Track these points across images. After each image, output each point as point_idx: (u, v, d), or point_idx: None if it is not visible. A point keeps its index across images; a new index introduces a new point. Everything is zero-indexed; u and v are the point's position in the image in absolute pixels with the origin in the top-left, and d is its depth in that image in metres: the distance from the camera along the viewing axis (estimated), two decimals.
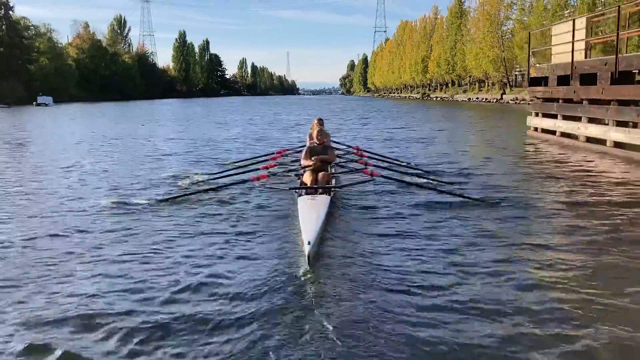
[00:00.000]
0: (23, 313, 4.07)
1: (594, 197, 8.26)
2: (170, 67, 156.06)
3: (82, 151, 16.23)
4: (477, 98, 75.10)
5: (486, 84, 77.55)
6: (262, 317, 3.92)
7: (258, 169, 9.54)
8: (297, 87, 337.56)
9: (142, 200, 7.95)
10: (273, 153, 11.62)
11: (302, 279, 4.67)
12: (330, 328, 3.70)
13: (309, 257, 4.91)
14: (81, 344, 3.59)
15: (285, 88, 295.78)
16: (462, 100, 78.24)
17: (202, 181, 9.55)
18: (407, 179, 9.26)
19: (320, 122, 11.14)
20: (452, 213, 7.17)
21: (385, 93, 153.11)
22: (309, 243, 5.02)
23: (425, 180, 9.18)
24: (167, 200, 8.00)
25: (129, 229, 6.51)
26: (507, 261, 5.18)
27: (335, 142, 11.88)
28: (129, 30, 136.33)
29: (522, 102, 59.64)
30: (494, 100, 67.61)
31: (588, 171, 10.96)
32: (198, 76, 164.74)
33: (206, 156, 14.44)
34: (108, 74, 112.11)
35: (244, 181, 8.42)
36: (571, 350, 3.42)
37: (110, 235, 6.23)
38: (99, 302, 4.25)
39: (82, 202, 8.20)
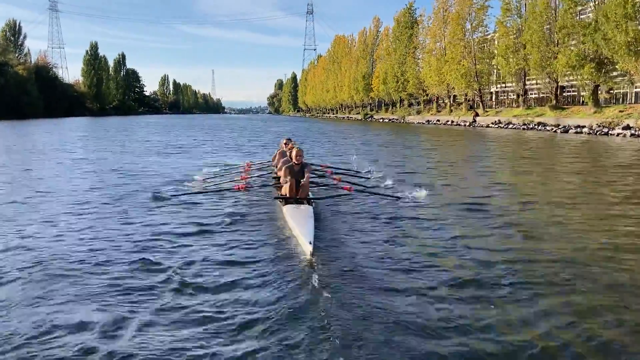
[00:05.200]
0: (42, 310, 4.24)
1: None
2: (80, 81, 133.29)
3: None
4: (438, 120, 60.53)
5: (448, 104, 63.30)
6: (278, 308, 4.26)
7: (233, 180, 10.00)
8: (222, 105, 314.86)
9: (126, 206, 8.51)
10: (242, 165, 12.40)
11: (308, 272, 5.13)
12: (340, 314, 4.09)
13: (311, 254, 5.47)
14: (85, 341, 3.68)
15: (210, 106, 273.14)
16: (419, 123, 63.45)
17: (186, 187, 10.03)
18: (376, 190, 9.86)
19: (290, 140, 11.33)
20: (423, 214, 8.13)
21: (318, 113, 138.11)
22: (310, 243, 5.58)
23: (390, 190, 9.99)
24: (157, 206, 8.40)
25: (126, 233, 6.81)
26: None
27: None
28: (25, 37, 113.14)
29: (508, 126, 45.23)
30: (465, 124, 53.10)
31: None
32: (112, 92, 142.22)
33: None
34: None
35: (227, 189, 9.13)
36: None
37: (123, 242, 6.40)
38: (103, 307, 4.31)
39: None
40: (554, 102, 43.50)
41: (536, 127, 41.31)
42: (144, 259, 5.61)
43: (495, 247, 6.19)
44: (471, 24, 53.69)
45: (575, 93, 49.31)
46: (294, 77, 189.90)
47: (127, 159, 17.93)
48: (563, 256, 5.81)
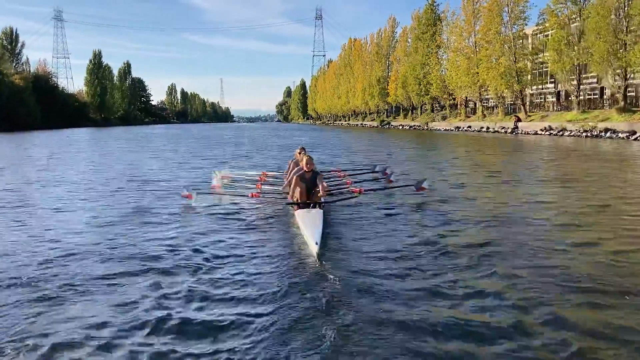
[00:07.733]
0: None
1: None
2: (83, 91, 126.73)
3: None
4: (469, 127, 52.62)
5: (480, 108, 55.41)
6: (282, 307, 4.17)
7: (249, 187, 9.92)
8: (231, 114, 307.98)
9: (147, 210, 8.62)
10: (259, 174, 11.91)
11: (314, 272, 5.12)
12: (345, 314, 3.97)
13: (318, 255, 5.51)
14: (97, 339, 3.66)
15: (219, 115, 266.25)
16: (446, 130, 55.62)
17: (203, 193, 9.59)
18: (387, 190, 9.94)
19: (304, 149, 10.89)
20: (430, 211, 8.28)
21: (329, 120, 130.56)
22: (316, 243, 5.61)
23: (402, 187, 10.05)
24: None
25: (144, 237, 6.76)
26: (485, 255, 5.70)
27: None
28: (22, 46, 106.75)
29: (563, 133, 37.34)
30: (505, 131, 45.19)
31: None
32: (117, 102, 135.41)
33: None
34: None
35: (242, 195, 9.07)
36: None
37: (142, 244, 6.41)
38: (117, 304, 4.32)
39: None
40: (622, 103, 35.53)
41: (602, 134, 33.42)
42: (160, 255, 5.80)
43: (521, 259, 5.63)
44: (509, 16, 45.89)
45: (633, 93, 41.56)
46: (303, 84, 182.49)
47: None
48: None
